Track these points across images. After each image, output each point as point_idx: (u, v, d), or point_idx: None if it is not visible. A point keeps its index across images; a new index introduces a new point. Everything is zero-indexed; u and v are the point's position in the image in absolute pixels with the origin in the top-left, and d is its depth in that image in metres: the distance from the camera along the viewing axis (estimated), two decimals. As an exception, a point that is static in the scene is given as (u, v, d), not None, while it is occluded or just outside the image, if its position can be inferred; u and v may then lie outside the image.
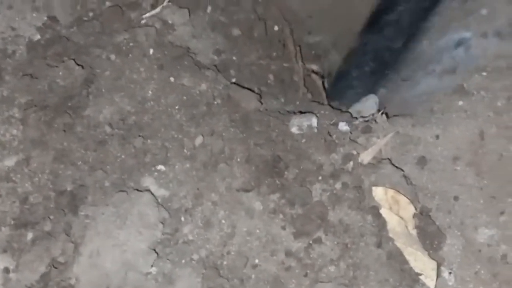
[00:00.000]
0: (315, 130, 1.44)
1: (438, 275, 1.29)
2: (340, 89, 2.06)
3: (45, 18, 1.56)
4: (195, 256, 1.28)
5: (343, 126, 1.46)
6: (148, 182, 1.35)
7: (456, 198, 1.34)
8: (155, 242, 1.28)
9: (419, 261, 1.29)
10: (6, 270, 1.25)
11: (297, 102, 1.62)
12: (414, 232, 1.33)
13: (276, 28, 1.91)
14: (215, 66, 1.58)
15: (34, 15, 1.56)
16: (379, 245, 1.31)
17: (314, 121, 1.45)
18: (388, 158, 1.40)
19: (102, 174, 1.35)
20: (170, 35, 1.57)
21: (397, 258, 1.30)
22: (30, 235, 1.28)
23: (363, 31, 1.97)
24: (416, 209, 1.34)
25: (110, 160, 1.37)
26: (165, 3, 1.60)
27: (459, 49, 1.58)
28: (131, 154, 1.37)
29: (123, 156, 1.37)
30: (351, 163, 1.39)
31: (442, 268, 1.30)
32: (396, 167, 1.38)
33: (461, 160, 1.37)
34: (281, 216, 1.33)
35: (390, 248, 1.31)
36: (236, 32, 1.74)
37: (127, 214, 1.28)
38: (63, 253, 1.26)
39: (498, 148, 1.37)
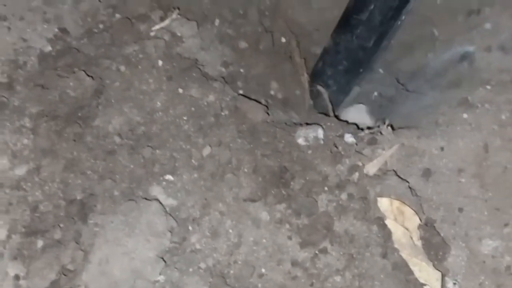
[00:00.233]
0: (321, 142, 1.46)
1: (443, 285, 1.30)
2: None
3: (56, 30, 1.58)
4: (203, 265, 1.29)
5: (349, 138, 1.47)
6: (156, 191, 1.36)
7: (460, 210, 1.35)
8: (163, 250, 1.29)
9: (424, 272, 1.30)
10: (17, 277, 1.26)
11: (303, 114, 1.63)
12: (419, 243, 1.34)
13: (283, 40, 1.93)
14: (223, 77, 1.59)
15: (45, 26, 1.58)
16: (384, 255, 1.31)
17: (320, 133, 1.46)
18: (394, 170, 1.41)
19: (111, 183, 1.36)
20: (178, 47, 1.59)
21: (402, 268, 1.31)
22: (40, 243, 1.29)
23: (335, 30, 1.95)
24: (421, 220, 1.35)
25: (119, 169, 1.38)
26: (174, 16, 1.62)
27: (464, 63, 1.59)
28: (139, 164, 1.39)
29: (132, 166, 1.39)
30: (357, 174, 1.40)
31: (447, 278, 1.31)
32: (401, 178, 1.39)
33: (466, 172, 1.38)
34: (287, 226, 1.34)
35: (395, 258, 1.32)
36: (243, 44, 1.76)
37: (135, 223, 1.29)
38: (73, 260, 1.27)
39: (502, 161, 1.38)
